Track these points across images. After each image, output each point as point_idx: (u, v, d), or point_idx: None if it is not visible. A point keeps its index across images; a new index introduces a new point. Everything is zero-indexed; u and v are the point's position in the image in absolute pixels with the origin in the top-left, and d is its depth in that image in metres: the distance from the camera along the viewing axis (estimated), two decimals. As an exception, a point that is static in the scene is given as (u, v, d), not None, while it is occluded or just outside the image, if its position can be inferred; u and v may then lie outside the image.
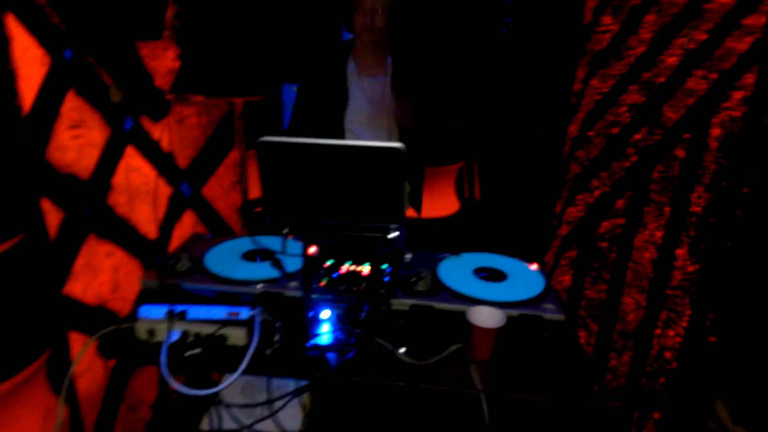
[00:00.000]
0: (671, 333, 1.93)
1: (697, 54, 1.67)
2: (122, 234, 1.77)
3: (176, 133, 2.02)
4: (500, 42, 2.92)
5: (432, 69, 2.18)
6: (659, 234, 1.88)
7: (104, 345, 1.40)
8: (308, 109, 2.16)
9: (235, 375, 1.27)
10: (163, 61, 1.95)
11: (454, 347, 1.35)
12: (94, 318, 1.66)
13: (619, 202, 1.92)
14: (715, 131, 1.71)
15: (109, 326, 1.41)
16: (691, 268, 1.85)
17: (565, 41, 1.95)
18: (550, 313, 1.45)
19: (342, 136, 2.10)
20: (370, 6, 1.94)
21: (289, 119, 2.30)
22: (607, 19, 1.76)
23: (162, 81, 1.95)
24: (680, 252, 1.86)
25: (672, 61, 1.70)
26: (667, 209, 1.85)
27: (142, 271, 1.86)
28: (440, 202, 2.99)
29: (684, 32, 1.66)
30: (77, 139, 1.56)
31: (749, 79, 1.62)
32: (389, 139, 2.13)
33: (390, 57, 2.11)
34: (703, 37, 1.65)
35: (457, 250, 1.76)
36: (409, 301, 1.47)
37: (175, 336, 1.35)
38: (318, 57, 2.15)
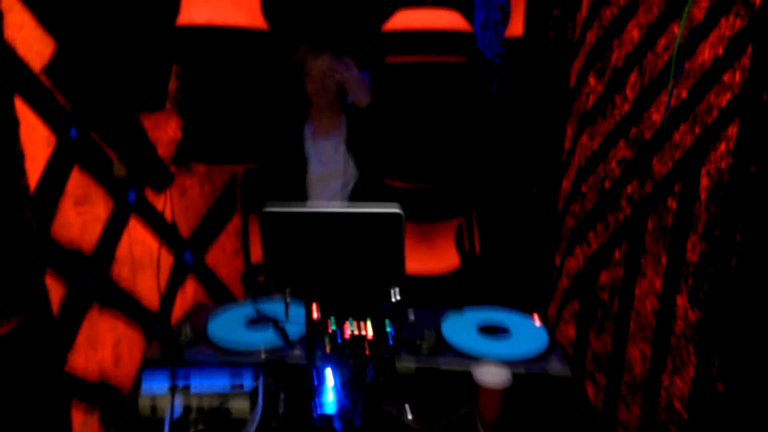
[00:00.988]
0: (678, 383, 1.91)
1: (680, 109, 1.74)
2: (125, 306, 1.78)
3: (179, 203, 2.06)
4: (490, 101, 3.01)
5: (385, 126, 2.23)
6: (658, 283, 1.89)
7: (106, 422, 1.38)
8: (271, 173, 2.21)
9: (241, 449, 1.25)
10: (165, 132, 2.01)
11: (462, 411, 1.33)
12: (96, 394, 1.64)
13: (617, 253, 1.94)
14: (704, 182, 1.75)
15: (110, 401, 1.40)
16: (692, 316, 1.85)
17: (553, 102, 2.02)
18: (556, 369, 1.44)
19: (305, 197, 2.16)
20: (320, 71, 2.01)
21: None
22: (591, 81, 1.84)
23: (164, 151, 2.00)
24: (680, 301, 1.86)
25: (657, 116, 1.77)
26: (663, 259, 1.87)
27: (144, 342, 1.85)
28: (441, 258, 3.00)
29: (666, 90, 1.73)
30: (82, 215, 1.59)
31: (732, 131, 1.68)
32: (344, 194, 2.18)
33: (344, 118, 2.18)
34: (685, 94, 1.72)
35: (459, 306, 1.76)
36: (414, 364, 1.46)
37: (178, 411, 1.33)
38: (277, 122, 2.22)
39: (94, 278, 1.65)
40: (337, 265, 1.37)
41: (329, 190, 2.19)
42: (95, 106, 1.64)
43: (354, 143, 2.16)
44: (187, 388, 1.37)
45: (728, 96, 1.67)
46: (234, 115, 2.42)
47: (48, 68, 1.46)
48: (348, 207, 1.32)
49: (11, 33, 1.35)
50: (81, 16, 1.56)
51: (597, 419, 1.37)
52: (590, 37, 1.83)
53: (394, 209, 1.27)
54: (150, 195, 1.92)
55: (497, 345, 1.54)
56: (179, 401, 1.33)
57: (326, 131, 2.17)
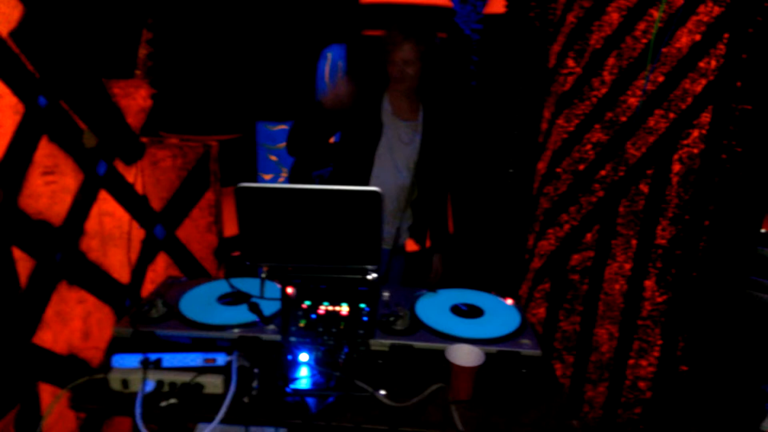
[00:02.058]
0: (644, 363, 1.98)
1: (656, 94, 1.76)
2: (94, 280, 1.74)
3: (150, 175, 2.01)
4: (468, 79, 3.00)
5: (460, 119, 2.25)
6: (628, 266, 1.94)
7: (76, 396, 1.36)
8: (330, 133, 2.19)
9: (212, 425, 1.25)
10: (134, 100, 1.95)
11: (434, 387, 1.35)
12: (65, 368, 1.62)
13: (588, 236, 1.97)
14: (676, 167, 1.78)
15: (80, 376, 1.37)
16: (659, 299, 1.91)
17: (531, 83, 2.02)
18: (527, 348, 1.47)
19: (371, 167, 2.14)
20: (401, 58, 2.01)
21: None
22: (570, 63, 1.84)
23: (133, 120, 1.95)
24: (649, 283, 1.91)
25: (633, 101, 1.78)
26: (634, 242, 1.91)
27: (114, 317, 1.82)
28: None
29: (643, 74, 1.75)
30: (50, 186, 1.54)
31: (705, 118, 1.71)
32: (410, 175, 2.18)
33: (422, 105, 2.18)
34: (661, 79, 1.73)
35: (433, 286, 1.78)
36: (388, 341, 1.48)
37: (150, 386, 1.32)
38: (359, 86, 2.20)
39: (63, 251, 1.61)
40: (314, 243, 1.36)
41: (398, 166, 2.16)
42: (63, 72, 1.58)
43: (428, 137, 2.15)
44: (158, 362, 1.36)
45: (703, 83, 1.70)
46: (208, 85, 2.37)
47: (15, 33, 1.40)
48: (326, 185, 1.31)
49: (-26, -6, 1.29)
50: (49, -22, 1.50)
51: (564, 396, 1.41)
52: (570, 18, 1.83)
53: (372, 188, 1.26)
54: (121, 167, 1.87)
55: (470, 325, 1.56)
56: (151, 376, 1.32)
57: (405, 114, 2.16)
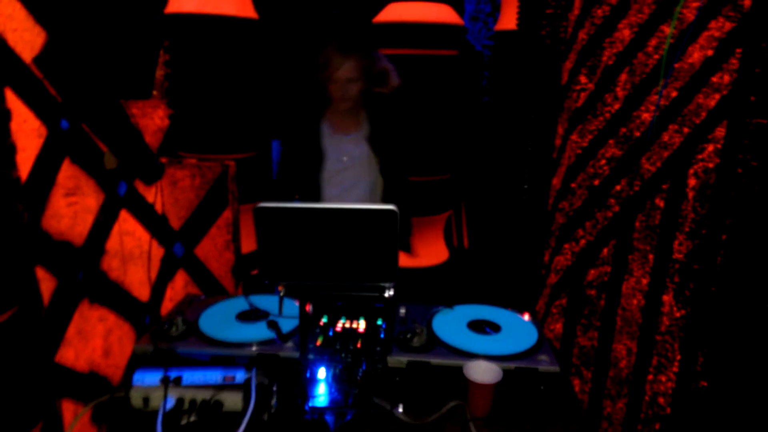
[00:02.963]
0: (663, 378, 1.95)
1: (670, 109, 1.76)
2: (115, 298, 1.77)
3: (170, 195, 2.05)
4: (480, 95, 3.03)
5: (406, 124, 2.22)
6: (645, 281, 1.93)
7: (97, 414, 1.38)
8: (290, 165, 2.20)
9: (233, 442, 1.26)
10: (152, 120, 2.00)
11: (452, 404, 1.35)
12: (86, 385, 1.64)
13: (605, 251, 1.97)
14: (692, 182, 1.78)
15: (100, 393, 1.39)
16: (678, 314, 1.89)
17: (544, 99, 2.04)
18: (545, 365, 1.47)
19: (319, 192, 2.12)
20: (343, 78, 1.97)
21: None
22: (582, 79, 1.86)
23: (151, 139, 1.99)
24: (666, 298, 1.90)
25: (647, 116, 1.79)
26: (651, 257, 1.90)
27: (134, 334, 1.84)
28: (430, 251, 3.03)
29: (656, 90, 1.76)
30: (72, 206, 1.58)
31: (720, 132, 1.71)
32: (372, 192, 2.15)
33: (365, 114, 2.15)
34: (674, 94, 1.74)
35: (448, 300, 1.78)
36: (406, 358, 1.48)
37: (171, 403, 1.34)
38: (294, 115, 2.19)
39: (84, 271, 1.64)
40: (332, 261, 1.38)
41: (352, 185, 2.14)
42: (85, 96, 1.62)
43: (377, 140, 2.12)
44: (179, 380, 1.37)
45: (717, 98, 1.70)
46: (224, 105, 2.41)
47: (38, 59, 1.44)
48: (343, 204, 1.32)
49: (1, 23, 1.33)
50: (72, 5, 1.54)
51: (583, 413, 1.40)
52: (582, 35, 1.84)
53: (389, 206, 1.28)
54: (140, 187, 1.91)
55: (487, 342, 1.56)
56: (171, 393, 1.34)
57: (345, 128, 2.13)
